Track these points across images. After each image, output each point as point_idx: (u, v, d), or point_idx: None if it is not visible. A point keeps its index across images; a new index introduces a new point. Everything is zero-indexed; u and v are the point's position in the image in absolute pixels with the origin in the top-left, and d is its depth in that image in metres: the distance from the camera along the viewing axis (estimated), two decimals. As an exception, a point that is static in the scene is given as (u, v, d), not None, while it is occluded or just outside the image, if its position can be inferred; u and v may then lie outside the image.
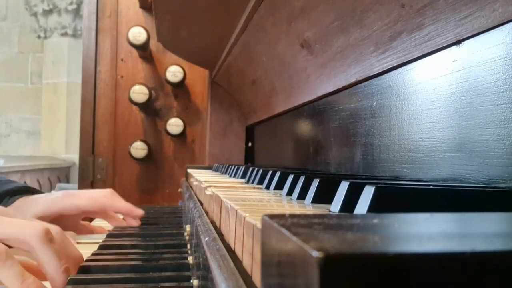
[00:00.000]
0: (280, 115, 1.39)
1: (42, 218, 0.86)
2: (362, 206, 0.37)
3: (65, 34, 4.32)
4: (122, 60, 2.12)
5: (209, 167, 1.63)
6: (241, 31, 1.27)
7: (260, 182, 0.78)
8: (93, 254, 0.78)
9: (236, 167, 1.07)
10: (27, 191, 0.99)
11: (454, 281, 0.15)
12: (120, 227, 1.03)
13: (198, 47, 1.70)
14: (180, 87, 2.10)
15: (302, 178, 0.55)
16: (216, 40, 1.49)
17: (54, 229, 0.64)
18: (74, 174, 4.06)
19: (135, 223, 1.02)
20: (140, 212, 1.03)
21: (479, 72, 0.51)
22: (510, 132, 0.46)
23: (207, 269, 0.42)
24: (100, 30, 2.10)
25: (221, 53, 1.60)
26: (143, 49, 2.03)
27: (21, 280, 0.55)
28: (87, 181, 2.08)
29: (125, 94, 2.06)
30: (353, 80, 0.83)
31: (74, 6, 4.31)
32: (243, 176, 0.95)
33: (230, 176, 1.06)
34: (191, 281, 0.62)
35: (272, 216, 0.21)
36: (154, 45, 2.03)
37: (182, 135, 2.07)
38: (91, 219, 1.23)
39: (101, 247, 0.85)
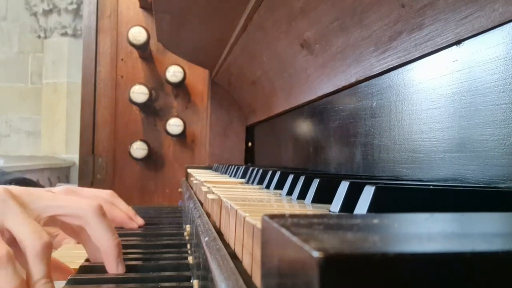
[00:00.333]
0: (280, 115, 1.39)
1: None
2: (362, 206, 0.37)
3: (65, 34, 4.32)
4: (122, 60, 2.12)
5: (209, 167, 1.63)
6: (241, 31, 1.27)
7: (260, 182, 0.78)
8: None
9: (236, 167, 1.07)
10: (26, 183, 0.98)
11: (454, 281, 0.15)
12: (119, 227, 1.03)
13: (198, 47, 1.70)
14: (180, 87, 2.10)
15: (302, 178, 0.55)
16: (216, 40, 1.49)
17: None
18: (74, 174, 4.05)
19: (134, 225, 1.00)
20: (139, 221, 1.00)
21: (479, 72, 0.51)
22: (510, 132, 0.46)
23: (207, 269, 0.42)
24: (100, 30, 2.10)
25: (221, 53, 1.60)
26: (143, 49, 2.03)
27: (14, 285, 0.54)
28: (87, 181, 2.08)
29: (125, 94, 2.06)
30: (353, 80, 0.83)
31: (74, 6, 4.31)
32: (243, 176, 0.95)
33: (230, 176, 1.06)
34: (191, 281, 0.62)
35: (272, 216, 0.21)
36: (154, 45, 2.03)
37: (182, 135, 2.07)
38: None
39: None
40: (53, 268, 0.62)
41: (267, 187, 0.71)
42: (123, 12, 2.11)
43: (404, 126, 0.68)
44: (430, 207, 0.38)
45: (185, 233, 0.84)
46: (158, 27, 1.51)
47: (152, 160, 2.11)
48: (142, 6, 2.10)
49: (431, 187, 0.41)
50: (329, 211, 0.42)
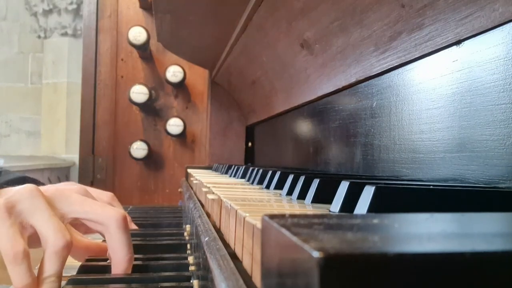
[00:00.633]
0: (280, 115, 1.39)
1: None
2: (362, 206, 0.37)
3: (65, 34, 4.32)
4: (122, 60, 2.12)
5: (209, 167, 1.63)
6: (241, 31, 1.27)
7: (260, 182, 0.78)
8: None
9: (236, 167, 1.07)
10: (27, 181, 0.98)
11: (454, 281, 0.15)
12: None
13: (198, 47, 1.70)
14: (180, 87, 2.10)
15: (302, 178, 0.55)
16: (216, 40, 1.49)
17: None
18: (74, 174, 4.05)
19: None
20: (134, 227, 1.00)
21: (479, 72, 0.51)
22: (510, 132, 0.46)
23: (207, 269, 0.42)
24: (100, 30, 2.10)
25: (221, 53, 1.60)
26: (143, 49, 2.03)
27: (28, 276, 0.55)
28: (87, 181, 2.08)
29: (125, 94, 2.06)
30: (353, 80, 0.83)
31: (74, 6, 4.30)
32: (243, 176, 0.95)
33: (230, 176, 1.06)
34: (191, 281, 0.62)
35: (272, 216, 0.21)
36: (154, 45, 2.03)
37: (182, 135, 2.07)
38: None
39: (101, 247, 0.84)
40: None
41: (267, 187, 0.71)
42: (123, 12, 2.11)
43: (404, 126, 0.68)
44: (430, 207, 0.38)
45: (185, 233, 0.84)
46: (158, 27, 1.51)
47: (152, 160, 2.11)
48: (142, 6, 2.10)
49: (431, 187, 0.41)
50: (329, 211, 0.42)
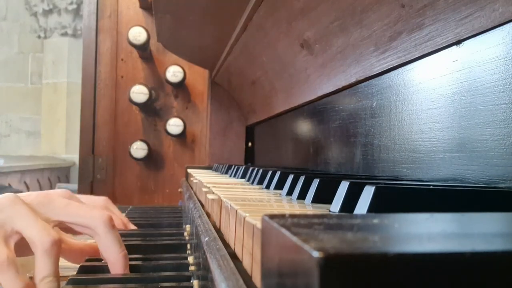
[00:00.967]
0: (280, 115, 1.39)
1: None
2: (362, 206, 0.37)
3: (65, 34, 4.33)
4: (122, 60, 2.12)
5: (209, 167, 1.63)
6: (241, 31, 1.27)
7: (260, 182, 0.78)
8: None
9: (236, 167, 1.07)
10: (6, 191, 0.98)
11: (454, 281, 0.15)
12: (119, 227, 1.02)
13: (198, 47, 1.70)
14: (180, 87, 2.10)
15: (302, 178, 0.55)
16: (216, 40, 1.49)
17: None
18: (74, 174, 4.05)
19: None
20: (132, 228, 0.99)
21: (479, 72, 0.51)
22: (510, 132, 0.46)
23: (207, 269, 0.42)
24: (100, 30, 2.10)
25: (221, 53, 1.60)
26: (143, 49, 2.03)
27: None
28: (87, 181, 2.08)
29: (125, 94, 2.06)
30: (353, 80, 0.83)
31: (74, 6, 4.31)
32: (243, 176, 0.95)
33: (230, 176, 1.06)
34: (191, 281, 0.62)
35: (272, 216, 0.21)
36: (154, 45, 2.03)
37: (182, 135, 2.07)
38: None
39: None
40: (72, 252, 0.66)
41: (267, 187, 0.71)
42: (123, 12, 2.11)
43: (404, 126, 0.68)
44: (430, 207, 0.38)
45: (185, 233, 0.84)
46: (158, 27, 1.51)
47: (152, 160, 2.11)
48: (142, 6, 2.10)
49: (431, 187, 0.41)
50: (329, 211, 0.42)
